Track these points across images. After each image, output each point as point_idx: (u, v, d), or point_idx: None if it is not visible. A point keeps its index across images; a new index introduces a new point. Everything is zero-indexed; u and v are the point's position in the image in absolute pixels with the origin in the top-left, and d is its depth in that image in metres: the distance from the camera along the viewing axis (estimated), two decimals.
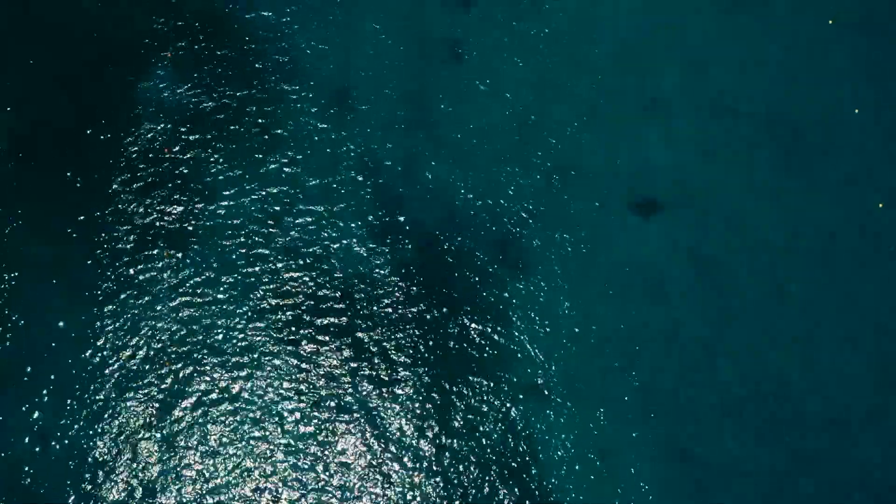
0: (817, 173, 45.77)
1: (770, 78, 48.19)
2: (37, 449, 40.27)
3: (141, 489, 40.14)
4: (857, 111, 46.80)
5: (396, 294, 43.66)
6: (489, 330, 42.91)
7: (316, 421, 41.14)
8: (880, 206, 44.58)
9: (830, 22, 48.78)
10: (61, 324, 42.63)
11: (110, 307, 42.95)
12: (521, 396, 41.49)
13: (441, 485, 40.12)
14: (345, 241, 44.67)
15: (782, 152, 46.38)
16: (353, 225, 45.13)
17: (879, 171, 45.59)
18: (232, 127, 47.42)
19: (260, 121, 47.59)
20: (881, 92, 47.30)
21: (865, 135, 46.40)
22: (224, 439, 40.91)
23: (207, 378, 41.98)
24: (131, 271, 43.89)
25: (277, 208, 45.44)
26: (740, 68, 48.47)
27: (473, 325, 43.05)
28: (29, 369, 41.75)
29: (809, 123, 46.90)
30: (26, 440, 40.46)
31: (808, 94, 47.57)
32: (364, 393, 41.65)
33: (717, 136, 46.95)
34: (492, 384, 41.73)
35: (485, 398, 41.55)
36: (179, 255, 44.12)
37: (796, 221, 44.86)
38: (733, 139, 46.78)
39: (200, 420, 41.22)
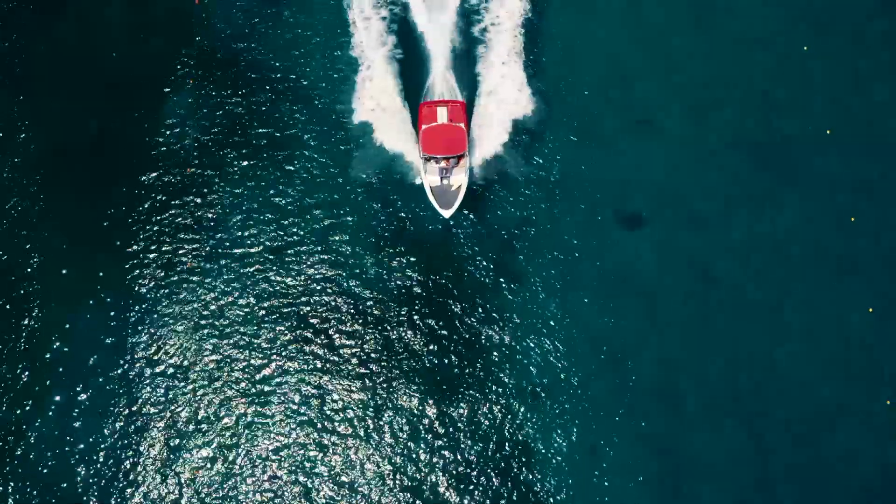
0: (794, 187, 48.50)
1: (750, 101, 50.98)
2: (65, 447, 42.80)
3: (167, 490, 42.22)
4: (828, 132, 49.72)
5: (399, 304, 46.07)
6: (486, 336, 45.34)
7: (324, 423, 43.45)
8: (852, 220, 47.46)
9: (805, 48, 51.75)
10: (86, 331, 44.99)
11: (134, 316, 45.48)
12: (516, 396, 44.04)
13: (441, 481, 42.49)
14: (352, 256, 47.04)
15: (761, 168, 49.08)
16: (360, 240, 47.44)
17: (851, 185, 48.41)
18: (249, 149, 49.90)
19: (275, 144, 49.94)
20: (851, 113, 50.27)
21: (837, 152, 49.25)
22: (240, 441, 43.18)
23: (223, 383, 44.24)
24: (154, 284, 46.35)
25: (290, 223, 47.91)
26: (722, 91, 51.28)
27: (471, 332, 45.46)
28: (56, 378, 44.12)
29: (785, 141, 49.72)
30: (54, 441, 42.95)
31: (786, 115, 50.39)
32: (367, 397, 43.93)
33: (700, 154, 49.73)
34: (489, 386, 44.21)
35: (482, 399, 44.02)
36: (201, 268, 46.78)
37: (774, 233, 47.56)
38: (716, 156, 49.57)
39: (217, 425, 43.39)
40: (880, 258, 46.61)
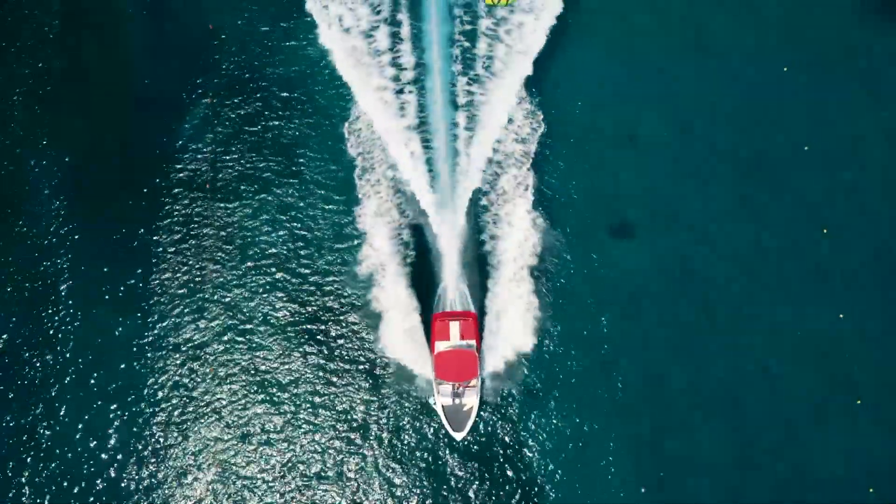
0: (771, 200, 51.22)
1: (731, 117, 53.51)
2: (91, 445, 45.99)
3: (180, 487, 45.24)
4: (806, 148, 52.40)
5: (398, 314, 48.02)
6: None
7: (327, 425, 46.38)
8: (825, 231, 50.27)
9: (785, 69, 54.34)
10: (108, 332, 47.85)
11: (152, 317, 48.38)
12: (512, 395, 46.83)
13: (441, 474, 45.41)
14: (356, 266, 49.41)
15: (742, 183, 51.73)
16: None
17: (824, 198, 51.25)
18: (262, 165, 52.37)
19: (287, 162, 52.39)
20: (827, 131, 52.96)
21: (812, 167, 52.02)
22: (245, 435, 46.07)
23: (234, 385, 47.07)
24: (173, 289, 49.03)
25: (300, 234, 50.46)
26: (706, 110, 53.87)
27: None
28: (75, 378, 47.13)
29: (765, 157, 52.37)
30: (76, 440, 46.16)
31: (764, 132, 53.00)
32: (364, 396, 46.76)
33: (685, 169, 52.42)
34: (485, 387, 47.01)
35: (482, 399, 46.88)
36: (216, 276, 49.36)
37: (755, 243, 50.28)
38: (699, 171, 52.26)
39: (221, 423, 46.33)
40: (851, 267, 49.43)
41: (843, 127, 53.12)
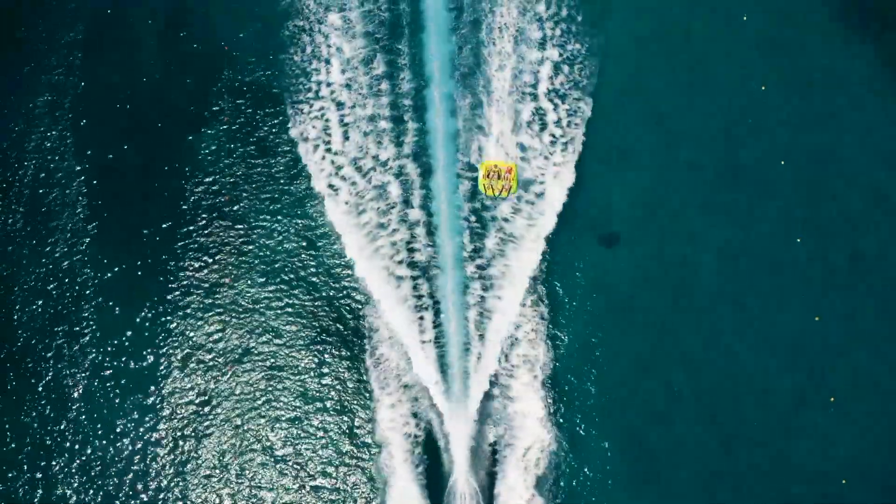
0: (753, 209, 53.65)
1: (714, 132, 55.77)
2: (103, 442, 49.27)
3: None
4: (782, 162, 54.97)
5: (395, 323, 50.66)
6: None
7: (329, 428, 49.46)
8: (798, 240, 53.00)
9: (763, 88, 57.09)
10: (129, 333, 50.94)
11: (171, 328, 51.36)
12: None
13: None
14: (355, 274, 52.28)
15: (724, 193, 54.18)
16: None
17: (801, 209, 53.82)
18: (270, 176, 55.11)
19: (294, 173, 54.83)
20: (805, 144, 55.36)
21: (791, 180, 54.43)
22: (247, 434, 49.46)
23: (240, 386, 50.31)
24: (187, 294, 51.95)
25: (306, 241, 53.34)
26: (691, 123, 56.05)
27: None
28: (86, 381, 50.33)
29: (747, 169, 54.78)
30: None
31: (746, 146, 55.35)
32: (362, 395, 49.58)
33: (670, 181, 54.81)
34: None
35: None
36: (234, 284, 52.36)
37: (735, 250, 52.84)
38: (683, 183, 54.67)
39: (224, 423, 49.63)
40: (826, 273, 52.23)
41: (817, 142, 55.30)
